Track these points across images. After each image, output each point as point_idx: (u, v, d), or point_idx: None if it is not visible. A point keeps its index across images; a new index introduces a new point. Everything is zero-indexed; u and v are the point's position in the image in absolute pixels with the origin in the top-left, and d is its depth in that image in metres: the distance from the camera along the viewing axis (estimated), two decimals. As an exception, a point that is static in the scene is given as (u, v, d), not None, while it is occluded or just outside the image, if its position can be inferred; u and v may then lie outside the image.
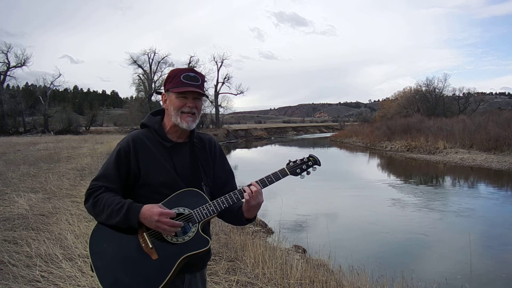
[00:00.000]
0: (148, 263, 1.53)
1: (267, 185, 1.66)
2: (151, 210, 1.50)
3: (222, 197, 1.63)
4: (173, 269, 1.52)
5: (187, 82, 1.61)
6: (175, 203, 1.59)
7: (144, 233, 1.56)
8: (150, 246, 1.54)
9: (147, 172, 1.62)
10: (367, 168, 19.71)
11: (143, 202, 1.61)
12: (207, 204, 1.61)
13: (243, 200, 1.64)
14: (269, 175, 1.66)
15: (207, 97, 1.72)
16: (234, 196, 1.64)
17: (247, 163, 21.86)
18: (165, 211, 1.51)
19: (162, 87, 1.74)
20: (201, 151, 1.74)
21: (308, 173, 1.71)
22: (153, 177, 1.61)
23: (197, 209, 1.59)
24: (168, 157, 1.65)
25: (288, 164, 1.71)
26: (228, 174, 1.83)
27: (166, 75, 1.72)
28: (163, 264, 1.52)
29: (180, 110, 1.63)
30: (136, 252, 1.55)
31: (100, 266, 1.56)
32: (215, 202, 1.62)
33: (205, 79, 1.71)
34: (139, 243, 1.55)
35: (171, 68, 35.14)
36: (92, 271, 1.58)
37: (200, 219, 1.59)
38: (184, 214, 1.59)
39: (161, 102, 1.76)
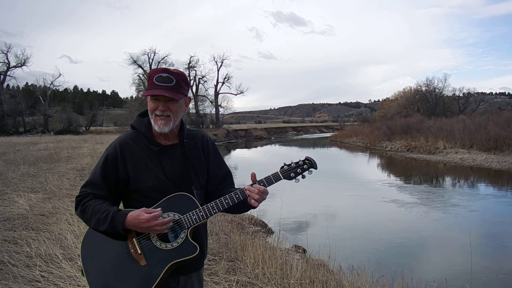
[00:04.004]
0: (137, 269, 1.53)
1: None
2: (138, 219, 1.48)
3: (213, 202, 1.59)
4: (160, 276, 1.51)
5: (159, 84, 1.56)
6: (165, 208, 1.57)
7: (134, 238, 1.56)
8: (139, 251, 1.53)
9: (136, 177, 1.60)
10: (367, 168, 19.70)
11: (135, 206, 1.59)
12: (197, 209, 1.58)
13: (236, 201, 1.60)
14: (262, 179, 1.61)
15: (178, 100, 1.62)
16: (225, 201, 1.59)
17: (247, 163, 21.85)
18: (150, 215, 1.48)
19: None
20: (192, 151, 1.70)
21: (303, 176, 1.64)
22: (142, 182, 1.59)
23: (187, 214, 1.57)
24: (157, 160, 1.62)
25: (282, 167, 1.64)
26: (224, 171, 1.79)
27: None
28: (151, 270, 1.52)
29: (154, 113, 1.59)
30: (126, 257, 1.54)
31: (91, 270, 1.56)
32: (205, 208, 1.58)
33: (184, 77, 1.63)
34: (129, 249, 1.55)
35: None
36: (83, 275, 1.58)
37: (189, 225, 1.56)
38: (174, 219, 1.57)
39: None
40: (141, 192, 1.60)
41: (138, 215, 1.49)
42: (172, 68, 1.66)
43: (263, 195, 1.58)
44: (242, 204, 1.62)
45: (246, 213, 7.58)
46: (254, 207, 1.62)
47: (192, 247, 1.55)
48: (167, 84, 1.56)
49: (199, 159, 1.71)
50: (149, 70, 52.27)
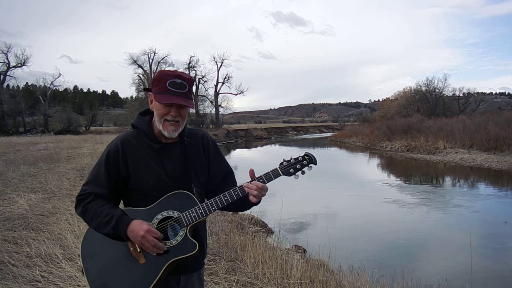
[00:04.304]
0: (136, 268, 1.52)
1: None
2: (140, 226, 1.48)
3: (212, 199, 1.59)
4: (160, 274, 1.51)
5: (173, 90, 1.55)
6: (164, 206, 1.57)
7: None
8: (138, 250, 1.53)
9: (136, 175, 1.59)
10: (367, 168, 19.70)
11: (135, 205, 1.60)
12: (196, 207, 1.57)
13: (236, 198, 1.59)
14: (261, 176, 1.60)
15: (192, 107, 1.60)
16: (224, 199, 1.58)
17: (247, 163, 21.85)
18: (153, 229, 1.49)
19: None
20: (192, 149, 1.69)
21: (303, 172, 1.62)
22: (142, 180, 1.59)
23: (186, 212, 1.56)
24: (158, 159, 1.62)
25: (281, 163, 1.63)
26: (225, 169, 1.78)
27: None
28: (150, 269, 1.51)
29: (164, 118, 1.59)
30: (125, 256, 1.54)
31: (91, 269, 1.57)
32: (204, 205, 1.58)
33: (193, 82, 1.64)
34: (128, 247, 1.55)
35: (171, 68, 34.76)
36: (83, 274, 1.58)
37: (188, 223, 1.55)
38: (173, 217, 1.57)
39: None
40: (141, 191, 1.60)
41: (141, 222, 1.50)
42: (182, 71, 1.64)
43: (262, 191, 1.57)
44: (242, 202, 1.61)
45: (246, 213, 7.59)
46: (254, 204, 1.61)
47: (192, 245, 1.54)
48: (180, 90, 1.56)
49: (199, 157, 1.70)
50: (149, 70, 51.62)
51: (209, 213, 1.59)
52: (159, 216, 1.56)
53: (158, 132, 1.64)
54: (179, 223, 1.56)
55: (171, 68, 35.55)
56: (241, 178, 1.69)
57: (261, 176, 1.60)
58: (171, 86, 1.55)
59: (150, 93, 1.62)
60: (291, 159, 1.63)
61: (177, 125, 1.60)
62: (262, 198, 1.63)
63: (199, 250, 1.55)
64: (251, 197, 1.58)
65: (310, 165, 1.62)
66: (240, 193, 1.59)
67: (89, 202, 1.57)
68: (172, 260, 1.52)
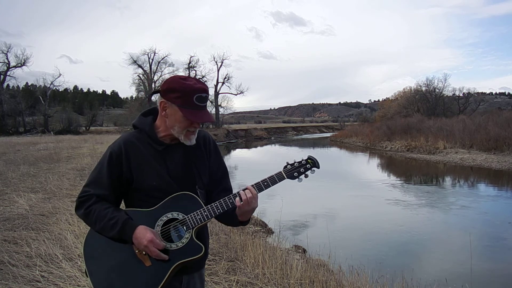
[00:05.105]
0: (142, 270, 1.51)
1: (263, 190, 1.60)
2: (144, 234, 1.47)
3: (217, 201, 1.58)
4: (166, 276, 1.50)
5: (200, 105, 1.53)
6: (169, 207, 1.55)
7: None
8: (144, 252, 1.51)
9: (139, 176, 1.58)
10: (367, 168, 19.71)
11: (138, 206, 1.59)
12: (201, 209, 1.56)
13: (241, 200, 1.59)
14: (265, 179, 1.60)
15: (213, 120, 1.66)
16: (229, 201, 1.58)
17: (247, 163, 21.85)
18: (156, 240, 1.48)
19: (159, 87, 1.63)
20: (195, 150, 1.68)
21: (306, 176, 1.63)
22: (145, 181, 1.57)
23: (191, 214, 1.55)
24: (161, 160, 1.61)
25: (285, 167, 1.63)
26: (222, 170, 1.78)
27: (167, 77, 1.62)
28: (157, 271, 1.50)
29: (186, 130, 1.57)
30: (130, 258, 1.53)
31: (94, 272, 1.55)
32: (209, 207, 1.57)
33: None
34: (133, 249, 1.53)
35: (171, 68, 33.26)
36: (86, 276, 1.57)
37: (194, 225, 1.54)
38: (178, 219, 1.56)
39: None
40: (144, 191, 1.59)
41: (146, 230, 1.49)
42: (202, 82, 1.60)
43: (252, 199, 1.56)
44: (234, 213, 1.62)
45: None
46: (241, 221, 1.63)
47: (198, 247, 1.53)
48: (205, 104, 1.57)
49: (201, 158, 1.70)
50: (149, 70, 51.22)
51: (214, 215, 1.57)
52: (164, 218, 1.55)
53: (163, 134, 1.62)
54: (184, 225, 1.55)
55: (172, 69, 34.06)
56: (242, 178, 1.70)
57: (265, 179, 1.60)
58: (198, 101, 1.53)
59: (163, 100, 1.56)
60: (295, 162, 1.64)
61: (196, 132, 1.62)
62: (262, 199, 1.63)
63: (204, 252, 1.55)
64: (237, 199, 1.56)
65: (313, 168, 1.64)
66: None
67: (91, 204, 1.55)
68: (179, 262, 1.51)
